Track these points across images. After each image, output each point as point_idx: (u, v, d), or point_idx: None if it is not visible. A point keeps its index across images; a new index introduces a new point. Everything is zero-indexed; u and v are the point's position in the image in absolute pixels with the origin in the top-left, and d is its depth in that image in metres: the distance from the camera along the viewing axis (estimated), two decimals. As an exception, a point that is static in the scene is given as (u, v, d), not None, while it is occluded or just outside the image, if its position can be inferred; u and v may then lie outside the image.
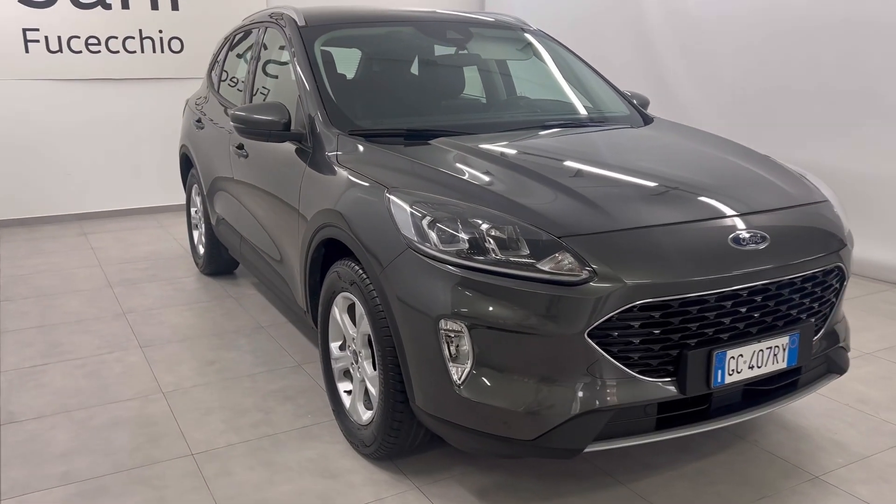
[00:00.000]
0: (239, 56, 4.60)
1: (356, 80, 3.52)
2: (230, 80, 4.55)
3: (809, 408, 3.11)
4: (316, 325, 3.13)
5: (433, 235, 2.25)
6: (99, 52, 6.70)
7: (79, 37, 6.60)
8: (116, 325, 4.15)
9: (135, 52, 6.83)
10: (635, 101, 3.73)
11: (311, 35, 3.47)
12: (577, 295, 2.08)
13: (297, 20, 3.57)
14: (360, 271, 2.55)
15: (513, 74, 3.81)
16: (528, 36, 3.92)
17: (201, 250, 5.11)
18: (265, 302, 4.52)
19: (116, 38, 6.74)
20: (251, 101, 3.93)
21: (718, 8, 5.84)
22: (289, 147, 3.23)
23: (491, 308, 2.14)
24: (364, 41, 3.71)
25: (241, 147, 3.76)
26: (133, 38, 6.80)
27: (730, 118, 5.74)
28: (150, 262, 5.48)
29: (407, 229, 2.31)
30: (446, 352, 2.20)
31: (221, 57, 4.80)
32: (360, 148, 2.84)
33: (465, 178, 2.52)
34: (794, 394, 2.48)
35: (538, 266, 2.13)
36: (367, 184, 2.60)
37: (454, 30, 3.77)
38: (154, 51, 6.92)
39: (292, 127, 3.12)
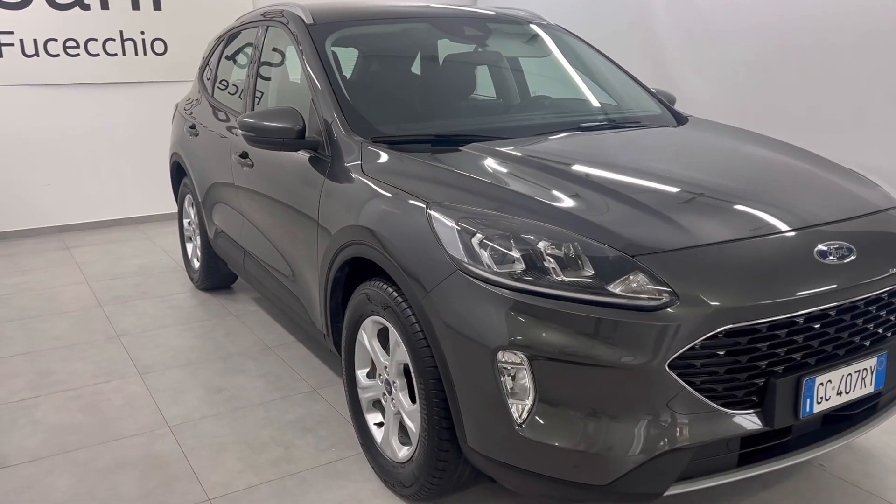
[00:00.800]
0: (234, 58, 4.31)
1: (372, 82, 3.26)
2: (226, 83, 4.26)
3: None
4: (337, 349, 2.88)
5: (485, 255, 2.01)
6: (78, 55, 6.36)
7: (56, 39, 6.26)
8: (111, 350, 3.86)
9: (116, 54, 6.50)
10: (664, 99, 3.52)
11: (320, 34, 3.20)
12: (656, 321, 1.85)
13: (303, 18, 3.30)
14: (396, 294, 2.30)
15: (536, 73, 3.57)
16: (546, 31, 3.68)
17: (196, 264, 4.82)
18: (269, 319, 4.25)
19: (96, 40, 6.41)
20: (252, 107, 3.66)
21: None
22: (301, 156, 2.97)
23: (554, 337, 1.90)
24: (377, 39, 3.45)
25: (244, 156, 3.48)
26: (114, 40, 6.47)
27: (739, 116, 5.56)
28: (141, 277, 5.17)
29: (454, 248, 2.07)
30: (504, 386, 1.96)
31: (214, 59, 4.51)
32: (388, 157, 2.59)
33: (513, 188, 2.28)
34: (876, 418, 2.27)
35: (609, 289, 1.90)
36: (401, 197, 2.34)
37: (471, 26, 3.53)
38: (136, 53, 6.59)
39: (307, 134, 2.86)
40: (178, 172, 4.93)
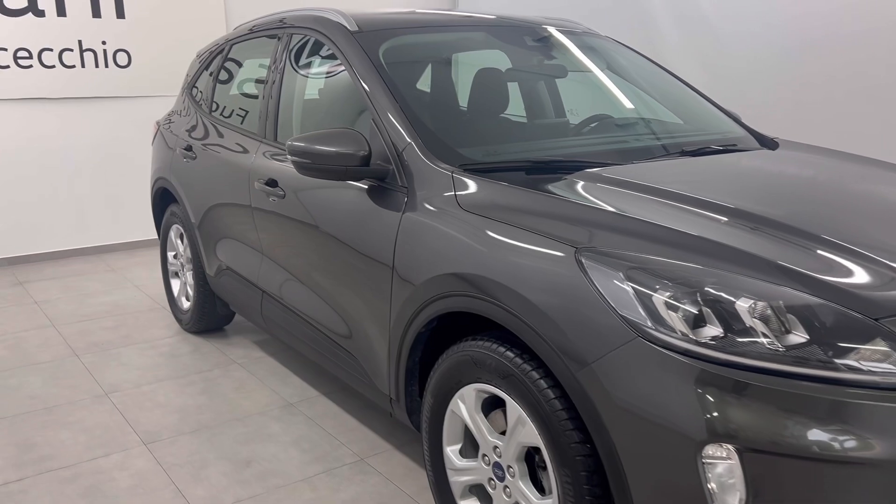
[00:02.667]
0: (238, 72, 3.79)
1: (443, 99, 2.81)
2: (231, 101, 3.74)
3: None
4: (410, 418, 2.41)
5: (676, 318, 1.59)
6: (31, 66, 5.68)
7: (6, 49, 5.57)
8: (101, 413, 3.26)
9: (74, 66, 5.84)
10: (738, 118, 3.18)
11: (370, 44, 2.74)
12: (915, 403, 1.46)
13: (346, 25, 2.83)
14: (523, 362, 1.86)
15: (606, 88, 3.18)
16: (607, 45, 3.31)
17: (186, 304, 4.23)
18: (280, 367, 3.71)
19: (51, 50, 5.73)
20: (275, 128, 3.15)
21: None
22: (357, 187, 2.50)
23: (776, 424, 1.49)
24: (434, 50, 3.01)
25: (272, 184, 2.97)
26: (71, 50, 5.81)
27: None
28: (116, 317, 4.54)
29: (629, 309, 1.64)
30: (709, 487, 1.54)
31: (210, 72, 3.97)
32: (492, 188, 2.14)
33: (673, 227, 1.86)
34: None
35: (848, 362, 1.50)
36: (528, 239, 1.90)
37: (531, 36, 3.11)
38: (97, 65, 5.94)
39: (371, 161, 2.39)
40: (163, 200, 4.35)
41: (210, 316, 4.07)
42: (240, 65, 3.82)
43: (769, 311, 1.57)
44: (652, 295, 1.62)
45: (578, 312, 1.71)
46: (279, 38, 3.28)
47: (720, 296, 1.60)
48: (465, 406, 2.11)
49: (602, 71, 3.25)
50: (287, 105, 3.17)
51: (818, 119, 5.02)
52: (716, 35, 5.61)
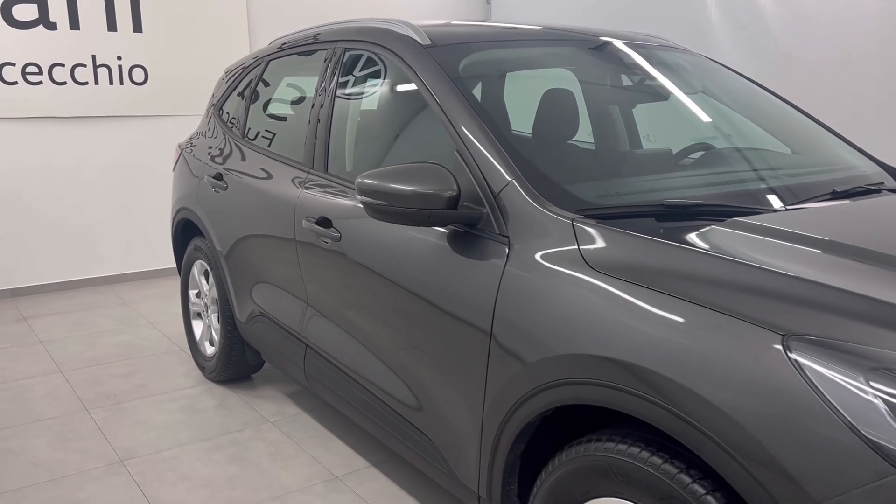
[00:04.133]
0: (276, 91, 3.36)
1: (543, 128, 2.36)
2: (269, 124, 3.30)
3: None
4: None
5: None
6: (40, 83, 5.25)
7: (13, 64, 5.15)
8: (117, 487, 2.79)
9: (86, 83, 5.42)
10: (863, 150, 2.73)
11: (448, 60, 2.30)
12: None
13: (416, 38, 2.40)
14: (691, 482, 1.40)
15: (712, 114, 2.73)
16: (698, 60, 2.87)
17: (210, 349, 3.77)
18: (320, 428, 3.24)
19: (63, 65, 5.32)
20: (326, 157, 2.71)
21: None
22: (436, 232, 2.05)
23: None
24: (516, 66, 2.57)
25: (325, 223, 2.52)
26: (84, 66, 5.39)
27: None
28: (130, 362, 4.08)
29: (879, 428, 1.17)
30: None
31: (242, 91, 3.54)
32: (630, 243, 1.68)
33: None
34: None
35: None
36: (707, 319, 1.42)
37: (623, 53, 2.67)
38: (111, 82, 5.52)
39: (459, 203, 1.94)
40: (185, 232, 3.90)
41: (238, 365, 3.61)
42: (278, 84, 3.38)
43: None
44: (916, 412, 1.16)
45: (794, 426, 1.25)
46: (328, 54, 2.85)
47: None
48: (593, 520, 1.64)
49: (697, 93, 2.81)
50: (339, 131, 2.73)
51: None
52: (777, 44, 5.17)
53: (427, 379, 2.13)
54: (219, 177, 3.38)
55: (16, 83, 5.18)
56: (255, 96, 3.44)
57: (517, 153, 1.98)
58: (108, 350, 4.27)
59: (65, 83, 5.34)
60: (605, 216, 1.81)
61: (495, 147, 1.98)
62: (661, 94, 2.70)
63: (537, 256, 1.77)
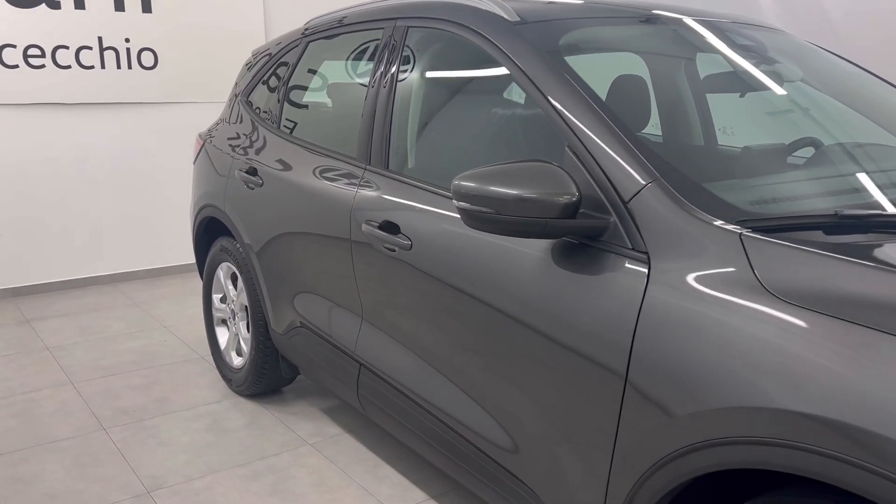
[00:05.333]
0: (316, 77, 3.02)
1: (673, 120, 2.03)
2: (310, 114, 2.96)
3: None
4: None
5: None
6: (42, 67, 4.88)
7: (14, 46, 4.77)
8: (147, 524, 2.47)
9: (92, 67, 5.04)
10: None
11: (544, 40, 1.97)
12: None
13: (502, 14, 2.06)
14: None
15: (817, 105, 2.40)
16: (803, 44, 2.55)
17: (237, 360, 3.44)
18: (366, 452, 2.92)
19: (67, 48, 4.94)
20: (387, 152, 2.37)
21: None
22: (541, 245, 1.73)
23: None
24: (618, 48, 2.23)
25: (390, 229, 2.19)
26: (90, 48, 5.02)
27: None
28: (147, 372, 3.74)
29: None
30: None
31: (278, 77, 3.19)
32: (824, 264, 1.35)
33: None
34: None
35: None
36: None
37: (736, 33, 2.34)
38: (119, 66, 5.14)
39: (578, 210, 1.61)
40: (209, 231, 3.56)
41: (270, 378, 3.28)
42: (320, 68, 3.04)
43: None
44: None
45: None
46: (385, 34, 2.50)
47: None
48: None
49: (801, 80, 2.48)
50: (401, 122, 2.39)
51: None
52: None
53: (528, 419, 1.81)
54: (252, 172, 3.03)
55: (17, 67, 4.80)
56: (292, 83, 3.09)
57: (650, 150, 1.65)
58: (121, 357, 3.93)
59: (69, 67, 4.97)
60: (772, 228, 1.48)
61: (622, 143, 1.65)
62: (781, 81, 2.37)
63: (692, 279, 1.44)
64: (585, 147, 1.69)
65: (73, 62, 4.97)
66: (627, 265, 1.55)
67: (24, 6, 4.75)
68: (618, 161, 1.63)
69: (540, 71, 1.87)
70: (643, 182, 1.58)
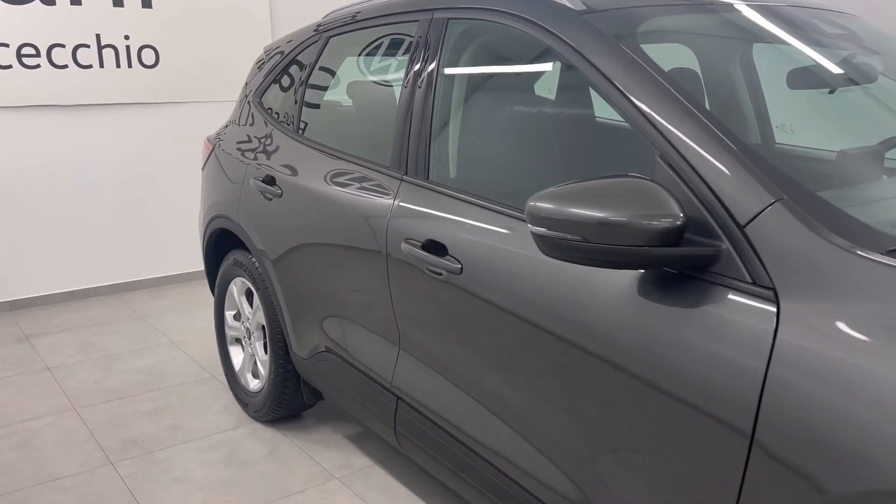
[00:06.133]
0: (337, 76, 2.75)
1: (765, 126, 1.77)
2: (333, 117, 2.69)
3: None
4: None
5: None
6: (38, 66, 4.60)
7: (7, 45, 4.49)
8: (163, 580, 2.21)
9: (90, 66, 4.76)
10: None
11: (620, 31, 1.70)
12: None
13: (564, 2, 1.79)
14: None
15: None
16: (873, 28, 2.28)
17: (253, 383, 3.18)
18: (399, 487, 2.66)
19: (63, 46, 4.66)
20: (426, 161, 2.10)
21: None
22: (629, 272, 1.46)
23: None
24: (701, 39, 1.96)
25: (436, 249, 1.92)
26: (88, 46, 4.73)
27: None
28: (155, 394, 3.48)
29: None
30: None
31: (294, 79, 2.92)
32: None
33: None
34: None
35: None
36: None
37: (818, 23, 2.07)
38: (118, 65, 4.86)
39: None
40: (221, 243, 3.30)
41: (291, 401, 3.02)
42: (343, 66, 2.76)
43: None
44: None
45: None
46: (421, 28, 2.23)
47: None
48: None
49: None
50: (443, 127, 2.12)
51: None
52: None
53: (615, 479, 1.54)
54: (270, 181, 2.76)
55: (10, 67, 4.52)
56: (310, 82, 2.82)
57: (769, 161, 1.38)
58: (127, 378, 3.66)
59: (66, 66, 4.68)
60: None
61: (734, 154, 1.38)
62: (874, 76, 2.10)
63: (841, 324, 1.17)
64: (685, 158, 1.42)
65: (69, 61, 4.69)
66: (747, 302, 1.29)
67: (18, 2, 4.47)
68: (730, 175, 1.36)
69: (619, 67, 1.60)
70: (765, 201, 1.31)
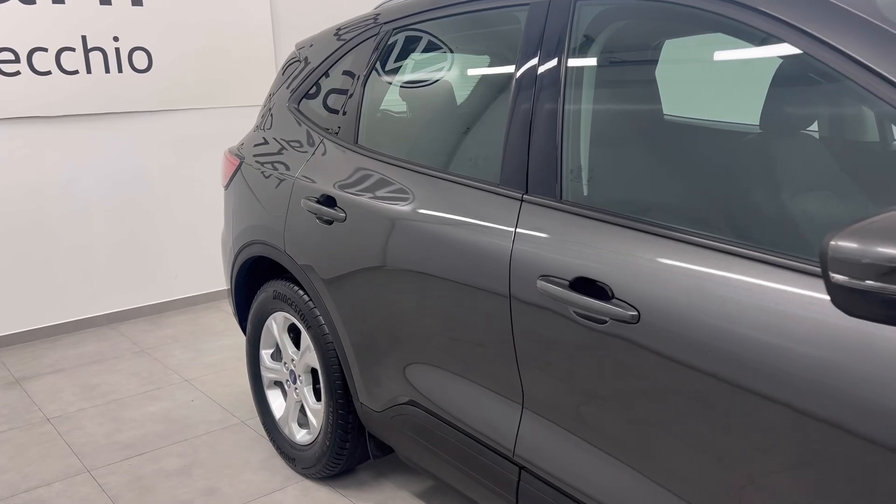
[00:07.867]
0: (411, 76, 2.33)
1: None
2: (411, 126, 2.27)
3: None
4: None
5: None
6: (17, 74, 4.08)
7: (-18, 50, 3.98)
8: None
9: (76, 72, 4.26)
10: None
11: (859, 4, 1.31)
12: None
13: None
14: None
15: None
16: None
17: (300, 434, 2.74)
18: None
19: (45, 50, 4.15)
20: (558, 179, 1.69)
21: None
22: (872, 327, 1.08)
23: None
24: None
25: (593, 292, 1.51)
26: (73, 49, 4.23)
27: None
28: (180, 448, 3.01)
29: None
30: None
31: (355, 73, 2.49)
32: None
33: None
34: None
35: None
36: None
37: None
38: (107, 70, 4.36)
39: None
40: (252, 273, 2.85)
41: (351, 456, 2.59)
42: (416, 62, 2.35)
43: None
44: None
45: None
46: (532, 14, 1.82)
47: None
48: None
49: None
50: (579, 135, 1.72)
51: None
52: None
53: None
54: (328, 201, 2.33)
55: (-15, 74, 4.00)
56: (371, 84, 2.39)
57: None
58: (143, 429, 3.19)
59: (49, 73, 4.17)
60: None
61: None
62: None
63: None
64: None
65: (53, 67, 4.18)
66: None
67: (-8, 1, 3.95)
68: None
69: (869, 44, 1.21)
70: None
